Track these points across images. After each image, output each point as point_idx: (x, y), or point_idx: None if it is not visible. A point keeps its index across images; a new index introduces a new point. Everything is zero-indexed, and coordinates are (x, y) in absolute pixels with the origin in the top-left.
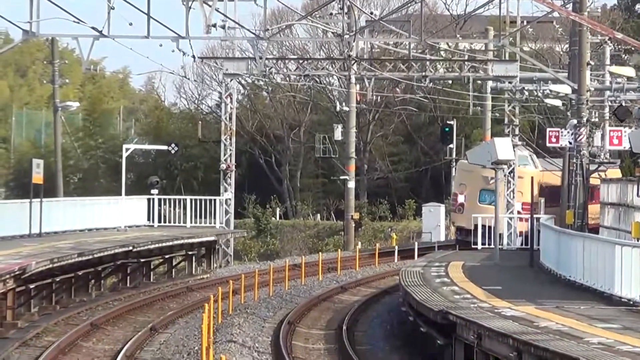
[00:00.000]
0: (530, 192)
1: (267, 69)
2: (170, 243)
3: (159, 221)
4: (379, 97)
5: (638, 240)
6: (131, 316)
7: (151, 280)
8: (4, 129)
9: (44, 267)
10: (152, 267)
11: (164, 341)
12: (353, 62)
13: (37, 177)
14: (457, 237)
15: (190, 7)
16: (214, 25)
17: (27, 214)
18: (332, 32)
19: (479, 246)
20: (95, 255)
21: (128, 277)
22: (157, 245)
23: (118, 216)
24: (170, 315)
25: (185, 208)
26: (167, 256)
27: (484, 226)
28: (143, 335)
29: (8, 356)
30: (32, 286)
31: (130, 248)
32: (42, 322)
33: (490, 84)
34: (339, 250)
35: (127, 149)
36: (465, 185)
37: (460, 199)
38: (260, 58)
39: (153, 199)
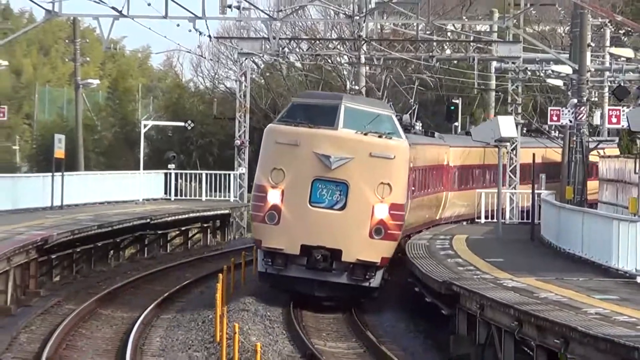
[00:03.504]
0: (402, 181)
1: (280, 48)
2: (186, 216)
3: (176, 195)
4: (388, 77)
5: (635, 215)
6: (148, 285)
7: (168, 251)
8: (27, 105)
9: (65, 238)
10: (168, 238)
11: (180, 309)
12: (363, 42)
13: (59, 152)
14: (264, 269)
15: None
16: (230, 6)
17: (49, 187)
18: (343, 14)
19: (482, 220)
20: (114, 227)
21: (146, 248)
22: (173, 217)
23: (136, 190)
24: (186, 284)
25: (200, 182)
26: (183, 228)
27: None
28: (160, 303)
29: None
30: (53, 256)
31: (148, 220)
32: (63, 291)
33: (494, 64)
34: None
35: (145, 125)
36: (283, 172)
37: (273, 197)
38: (274, 38)
39: (170, 173)
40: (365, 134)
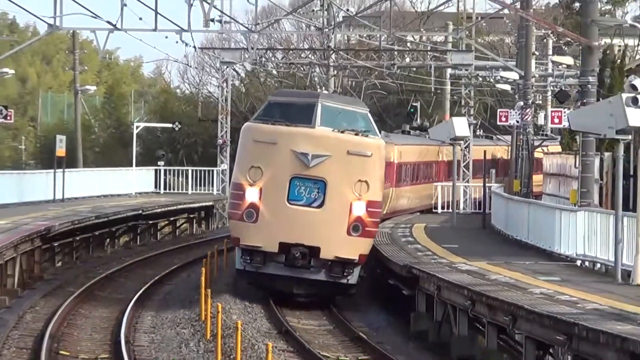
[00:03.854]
0: (379, 178)
1: (258, 57)
2: (174, 207)
3: (165, 188)
4: (353, 82)
5: (575, 206)
6: (140, 270)
7: (158, 239)
8: (32, 109)
9: (66, 227)
10: (158, 228)
11: (169, 291)
12: (332, 52)
13: (60, 150)
14: (242, 267)
15: (191, 4)
16: (212, 20)
17: (51, 182)
18: (314, 26)
19: (439, 210)
20: (110, 218)
21: (138, 237)
22: (163, 209)
23: (129, 184)
24: (174, 269)
25: (186, 177)
26: (171, 219)
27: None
28: (151, 286)
29: None
30: (56, 244)
31: (140, 212)
32: (64, 275)
33: (449, 71)
34: None
35: (137, 127)
36: (261, 170)
37: (251, 195)
38: (252, 48)
39: (159, 169)
40: (342, 132)
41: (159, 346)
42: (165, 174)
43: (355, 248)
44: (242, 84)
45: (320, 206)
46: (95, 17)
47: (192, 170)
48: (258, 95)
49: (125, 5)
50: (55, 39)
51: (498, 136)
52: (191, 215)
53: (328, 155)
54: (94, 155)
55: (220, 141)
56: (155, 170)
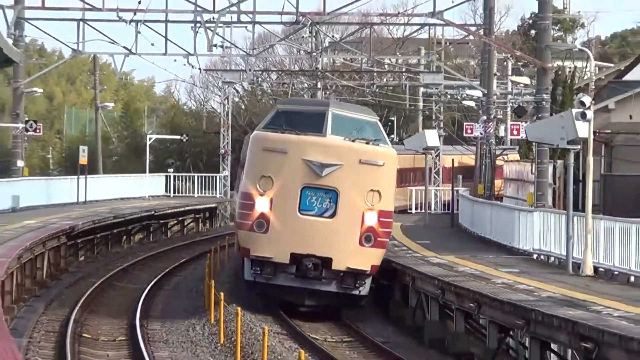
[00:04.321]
0: (390, 188)
1: (255, 78)
2: (182, 208)
3: (174, 192)
4: (338, 99)
5: (531, 207)
6: (153, 263)
7: (168, 236)
8: (58, 124)
9: (88, 226)
10: (168, 226)
11: (178, 282)
12: (319, 73)
13: (83, 159)
14: (252, 278)
15: (197, 32)
16: (215, 45)
17: (75, 187)
18: (304, 51)
19: (413, 211)
20: (127, 218)
21: (151, 234)
22: (172, 210)
23: (143, 188)
24: (182, 262)
25: (193, 183)
26: (180, 218)
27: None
28: (162, 277)
29: None
30: (79, 241)
31: (153, 212)
32: (86, 268)
33: (422, 89)
34: None
35: (150, 138)
36: (272, 180)
37: (261, 205)
38: (250, 70)
39: (169, 175)
40: (353, 141)
41: (169, 330)
42: (174, 180)
43: (367, 259)
44: (242, 101)
45: (332, 216)
46: (113, 43)
47: (198, 177)
48: (255, 111)
49: (139, 32)
50: (78, 62)
51: (465, 146)
52: (197, 215)
53: (340, 164)
54: (112, 163)
55: (222, 151)
56: (166, 176)
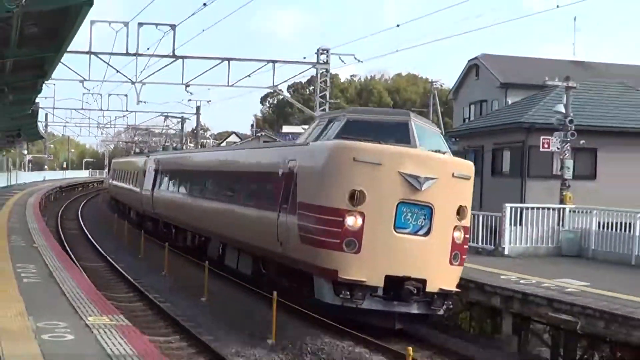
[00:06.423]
0: (470, 203)
1: None
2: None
3: None
4: None
5: None
6: (82, 198)
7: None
8: None
9: (64, 186)
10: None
11: (88, 201)
12: None
13: None
14: (340, 303)
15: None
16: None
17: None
18: None
19: None
20: (72, 184)
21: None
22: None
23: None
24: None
25: None
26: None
27: None
28: (86, 201)
29: None
30: (62, 191)
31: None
32: (62, 199)
33: None
34: None
35: None
36: (365, 194)
37: (352, 222)
38: None
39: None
40: (439, 153)
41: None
42: None
43: (454, 278)
44: None
45: (426, 234)
46: None
47: None
48: None
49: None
50: None
51: None
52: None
53: (436, 178)
54: None
55: None
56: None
